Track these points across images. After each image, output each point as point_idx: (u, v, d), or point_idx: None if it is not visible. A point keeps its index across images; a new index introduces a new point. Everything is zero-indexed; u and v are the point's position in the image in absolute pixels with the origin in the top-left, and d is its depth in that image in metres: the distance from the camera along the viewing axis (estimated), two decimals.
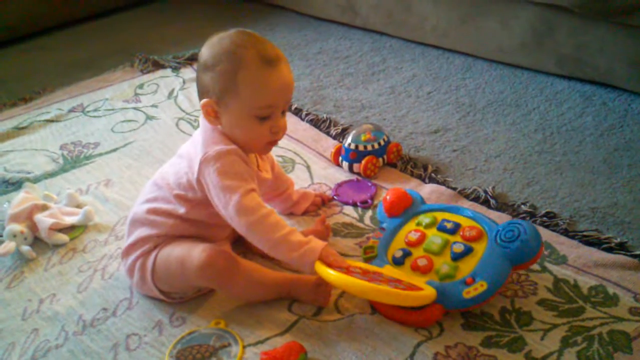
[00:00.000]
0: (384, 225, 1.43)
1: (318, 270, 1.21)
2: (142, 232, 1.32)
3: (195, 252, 1.25)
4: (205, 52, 1.28)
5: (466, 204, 1.58)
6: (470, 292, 1.22)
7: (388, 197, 1.45)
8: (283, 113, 1.31)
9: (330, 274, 1.19)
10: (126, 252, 1.35)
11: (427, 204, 1.48)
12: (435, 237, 1.34)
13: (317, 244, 1.23)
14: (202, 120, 1.33)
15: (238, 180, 1.25)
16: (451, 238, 1.33)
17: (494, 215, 1.53)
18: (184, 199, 1.31)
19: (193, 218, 1.32)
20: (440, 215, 1.40)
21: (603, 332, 1.19)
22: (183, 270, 1.26)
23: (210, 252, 1.25)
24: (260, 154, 1.38)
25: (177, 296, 1.34)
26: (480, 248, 1.29)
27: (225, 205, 1.24)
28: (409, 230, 1.38)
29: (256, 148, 1.33)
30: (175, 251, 1.28)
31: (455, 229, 1.35)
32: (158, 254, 1.30)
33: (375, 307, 1.29)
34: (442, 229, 1.36)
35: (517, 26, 2.13)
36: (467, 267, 1.27)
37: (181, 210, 1.31)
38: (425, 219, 1.39)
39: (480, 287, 1.22)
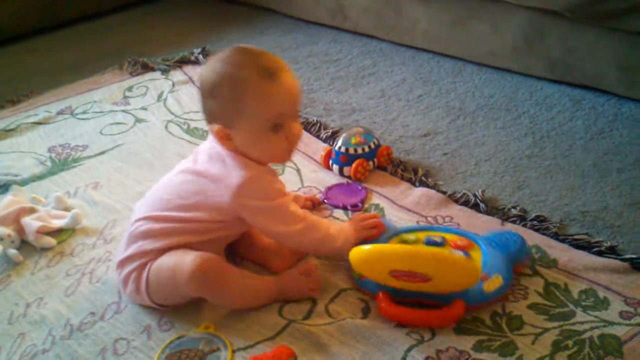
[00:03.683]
0: None
1: (356, 252, 1.25)
2: (142, 245, 1.29)
3: (186, 261, 1.24)
4: (206, 77, 1.28)
5: (456, 207, 1.58)
6: (490, 286, 1.25)
7: None
8: (294, 118, 1.31)
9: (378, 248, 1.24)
10: (121, 263, 1.32)
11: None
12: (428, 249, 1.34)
13: (348, 227, 1.37)
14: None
15: (279, 196, 1.31)
16: (444, 249, 1.34)
17: (484, 219, 1.53)
18: (205, 219, 1.30)
19: (204, 234, 1.30)
20: (421, 234, 1.40)
21: (594, 336, 1.19)
22: (174, 280, 1.24)
23: (201, 260, 1.23)
24: (281, 162, 1.40)
25: (171, 304, 1.32)
26: (476, 254, 1.32)
27: (275, 224, 1.31)
28: None
29: (276, 159, 1.36)
30: (167, 261, 1.27)
31: (444, 241, 1.36)
32: (152, 265, 1.28)
33: (383, 311, 1.26)
34: (431, 243, 1.35)
35: (508, 30, 2.14)
36: None
37: (196, 227, 1.30)
38: (409, 236, 1.39)
39: (497, 280, 1.26)
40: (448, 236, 1.38)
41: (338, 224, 1.40)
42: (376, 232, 1.41)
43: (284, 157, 1.36)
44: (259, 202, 1.28)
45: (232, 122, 1.26)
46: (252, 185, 1.27)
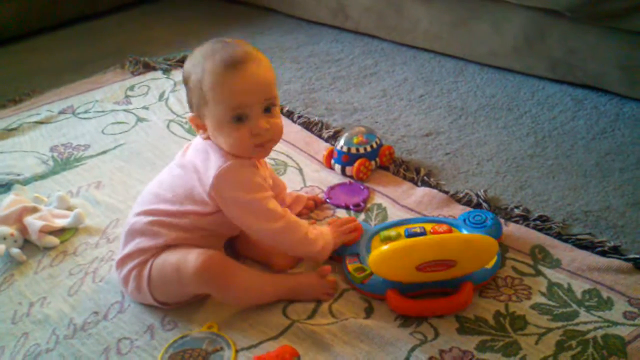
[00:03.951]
0: (346, 254, 1.40)
1: (379, 255, 1.24)
2: (140, 242, 1.30)
3: (190, 257, 1.24)
4: (184, 67, 1.32)
5: (458, 207, 1.58)
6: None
7: None
8: (268, 112, 1.27)
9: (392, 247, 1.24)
10: (121, 262, 1.32)
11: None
12: None
13: (327, 232, 1.37)
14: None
15: (257, 191, 1.28)
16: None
17: None
18: (193, 212, 1.30)
19: (197, 230, 1.31)
20: (399, 228, 1.41)
21: (597, 336, 1.19)
22: (179, 276, 1.25)
23: (205, 256, 1.24)
24: (254, 158, 1.33)
25: (173, 303, 1.32)
26: None
27: (253, 219, 1.29)
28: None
29: (244, 153, 1.29)
30: (170, 258, 1.27)
31: (424, 231, 1.38)
32: (153, 263, 1.28)
33: (399, 307, 1.27)
34: (412, 235, 1.37)
35: (509, 30, 2.14)
36: None
37: (187, 222, 1.30)
38: (389, 232, 1.40)
39: None
40: (426, 225, 1.40)
41: (317, 227, 1.38)
42: (356, 236, 1.42)
43: (249, 151, 1.28)
44: (235, 193, 1.27)
45: (201, 111, 1.28)
46: (228, 176, 1.26)
